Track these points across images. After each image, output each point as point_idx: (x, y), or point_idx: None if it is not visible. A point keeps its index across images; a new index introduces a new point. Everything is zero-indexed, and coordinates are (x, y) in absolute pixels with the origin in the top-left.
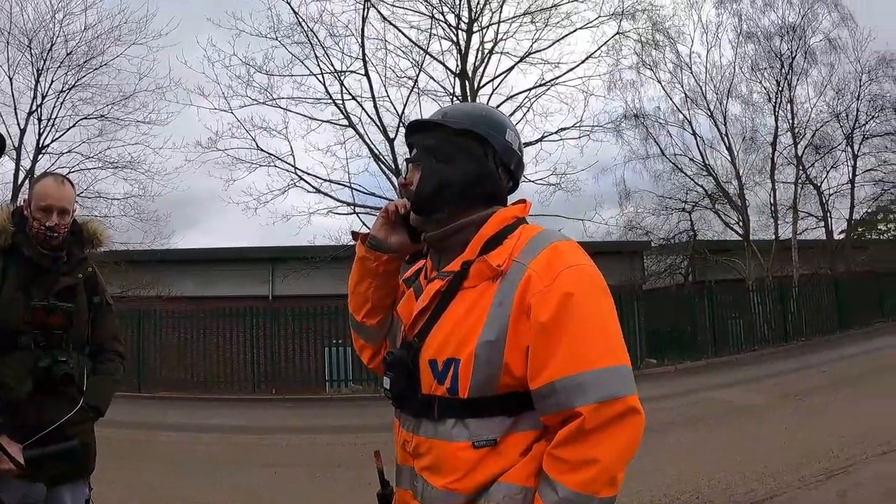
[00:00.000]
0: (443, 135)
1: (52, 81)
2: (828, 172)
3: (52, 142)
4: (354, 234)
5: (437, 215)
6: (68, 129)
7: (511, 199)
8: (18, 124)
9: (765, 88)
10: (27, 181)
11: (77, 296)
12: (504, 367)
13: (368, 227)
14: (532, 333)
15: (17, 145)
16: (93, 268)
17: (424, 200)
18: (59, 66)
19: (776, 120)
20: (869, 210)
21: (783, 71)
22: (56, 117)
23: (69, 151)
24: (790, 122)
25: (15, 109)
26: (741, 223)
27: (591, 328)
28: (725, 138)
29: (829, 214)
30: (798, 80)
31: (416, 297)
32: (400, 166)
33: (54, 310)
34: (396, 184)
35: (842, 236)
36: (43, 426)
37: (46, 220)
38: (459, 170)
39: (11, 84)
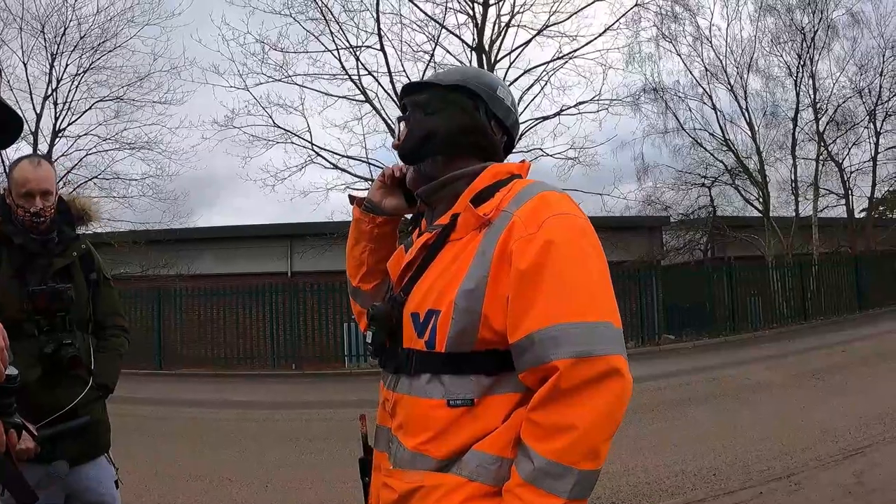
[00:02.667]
0: (433, 91)
1: (67, 65)
2: (849, 149)
3: (69, 125)
4: (351, 198)
5: (423, 165)
6: (84, 112)
7: (534, 166)
8: (34, 109)
9: (785, 63)
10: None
11: (74, 275)
12: (483, 319)
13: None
14: (512, 282)
15: (33, 130)
16: (86, 244)
17: (409, 150)
18: (73, 50)
19: (797, 95)
20: (891, 188)
21: (804, 45)
22: (72, 101)
23: (86, 134)
24: (811, 97)
25: (30, 94)
26: (761, 199)
27: (574, 279)
28: (746, 113)
29: (850, 192)
30: (819, 54)
31: (406, 252)
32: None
33: (52, 292)
34: (391, 147)
35: (863, 215)
36: (56, 409)
37: (30, 205)
38: (446, 120)
39: (26, 69)
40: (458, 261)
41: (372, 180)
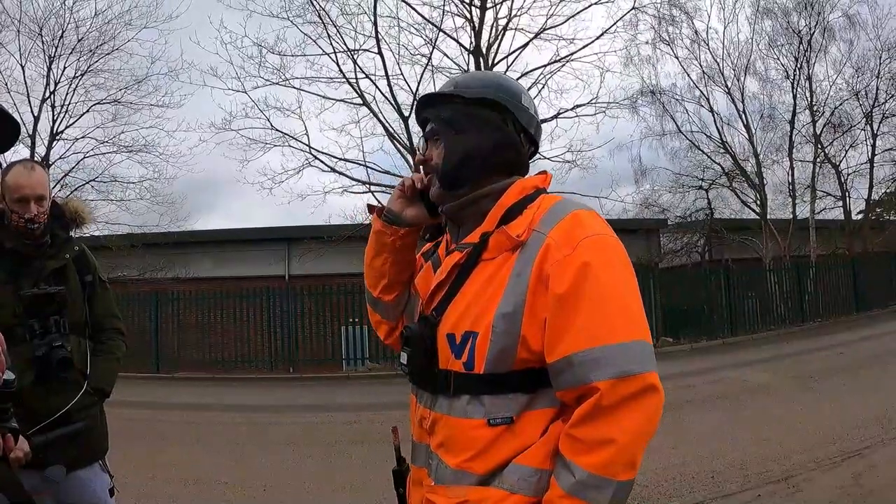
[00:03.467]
0: (458, 106)
1: (65, 68)
2: (846, 152)
3: (67, 128)
4: (370, 208)
5: (464, 189)
6: (82, 115)
7: (532, 169)
8: (32, 112)
9: (782, 65)
10: None
11: (68, 277)
12: (521, 340)
13: (383, 204)
14: (549, 305)
15: (31, 132)
16: (80, 246)
17: (452, 174)
18: (71, 53)
19: (794, 97)
20: (888, 190)
21: (801, 47)
22: (69, 103)
23: (83, 137)
24: (808, 99)
25: (28, 97)
26: (758, 202)
27: (610, 300)
28: (743, 115)
29: (847, 194)
30: (816, 57)
31: (435, 270)
32: (415, 144)
33: (45, 296)
34: (413, 161)
35: (860, 216)
36: (50, 413)
37: (25, 211)
38: (482, 139)
39: (24, 72)
40: (494, 282)
41: (368, 183)
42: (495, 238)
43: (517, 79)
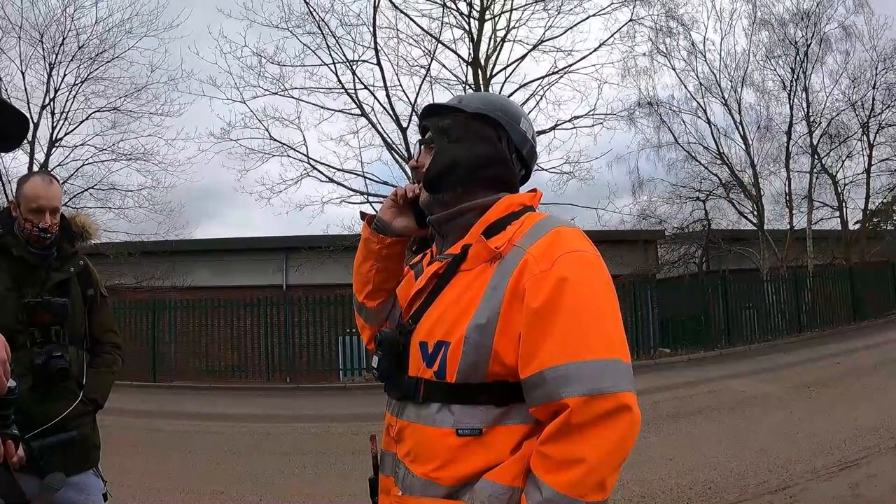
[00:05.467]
0: (457, 118)
1: (65, 75)
2: (843, 162)
3: (66, 135)
4: (363, 215)
5: (446, 195)
6: (81, 122)
7: (524, 189)
8: (32, 118)
9: (779, 76)
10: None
11: (70, 290)
12: (493, 354)
13: (376, 213)
14: (524, 319)
15: (30, 139)
16: (84, 261)
17: (435, 178)
18: (72, 60)
19: (791, 108)
20: (884, 200)
21: (798, 58)
22: (69, 110)
23: (82, 144)
24: (805, 110)
25: (28, 104)
26: (756, 212)
27: (586, 317)
28: (740, 127)
29: (844, 204)
30: (813, 67)
31: (416, 279)
32: (413, 155)
33: (48, 306)
34: (408, 167)
35: (857, 227)
36: (45, 421)
37: (39, 221)
38: (471, 150)
39: (24, 79)
40: (469, 293)
41: (366, 194)
42: (474, 249)
43: (515, 90)
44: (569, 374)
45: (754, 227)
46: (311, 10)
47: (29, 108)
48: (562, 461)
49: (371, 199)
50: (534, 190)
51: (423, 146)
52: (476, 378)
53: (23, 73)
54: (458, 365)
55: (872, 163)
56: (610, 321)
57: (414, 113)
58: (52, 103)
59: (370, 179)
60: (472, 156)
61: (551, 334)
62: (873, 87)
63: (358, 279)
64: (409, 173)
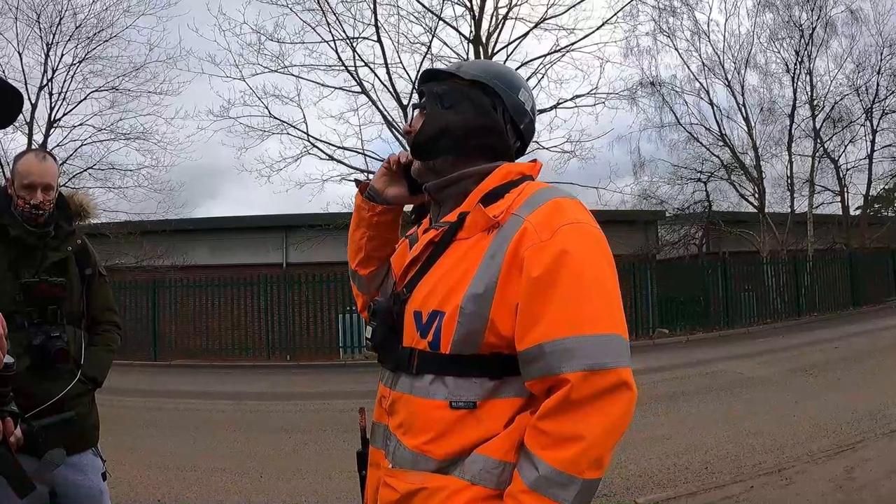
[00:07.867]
0: (454, 84)
1: (62, 55)
2: (845, 147)
3: (64, 115)
4: (357, 182)
5: (434, 161)
6: (80, 102)
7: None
8: (29, 99)
9: (783, 59)
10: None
11: (68, 269)
12: (489, 324)
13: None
14: (522, 290)
15: (28, 120)
16: (82, 240)
17: (423, 144)
18: (69, 40)
19: (794, 91)
20: (886, 186)
21: (802, 41)
22: (67, 91)
23: (81, 124)
24: (809, 94)
25: (25, 84)
26: (757, 195)
27: (587, 290)
28: (742, 108)
29: (845, 189)
30: (818, 51)
31: (411, 247)
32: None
33: (45, 285)
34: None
35: (858, 212)
36: (43, 401)
37: (31, 197)
38: (463, 117)
39: (21, 59)
40: (465, 262)
41: (367, 171)
42: (472, 217)
43: (517, 68)
44: (569, 347)
45: (755, 210)
46: None
47: (27, 89)
48: (559, 437)
49: (371, 176)
50: (534, 160)
51: (416, 110)
52: (471, 349)
53: (20, 54)
54: (453, 336)
55: (875, 148)
56: (611, 295)
57: (414, 90)
58: (49, 84)
59: (370, 157)
60: (463, 123)
61: (551, 306)
62: (878, 73)
63: (351, 246)
64: (408, 147)
